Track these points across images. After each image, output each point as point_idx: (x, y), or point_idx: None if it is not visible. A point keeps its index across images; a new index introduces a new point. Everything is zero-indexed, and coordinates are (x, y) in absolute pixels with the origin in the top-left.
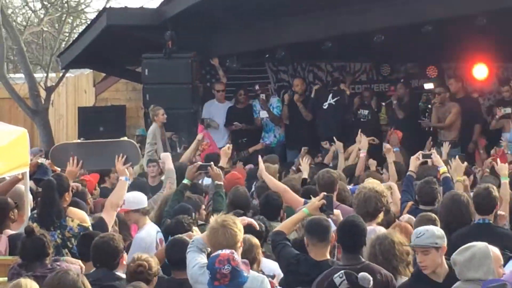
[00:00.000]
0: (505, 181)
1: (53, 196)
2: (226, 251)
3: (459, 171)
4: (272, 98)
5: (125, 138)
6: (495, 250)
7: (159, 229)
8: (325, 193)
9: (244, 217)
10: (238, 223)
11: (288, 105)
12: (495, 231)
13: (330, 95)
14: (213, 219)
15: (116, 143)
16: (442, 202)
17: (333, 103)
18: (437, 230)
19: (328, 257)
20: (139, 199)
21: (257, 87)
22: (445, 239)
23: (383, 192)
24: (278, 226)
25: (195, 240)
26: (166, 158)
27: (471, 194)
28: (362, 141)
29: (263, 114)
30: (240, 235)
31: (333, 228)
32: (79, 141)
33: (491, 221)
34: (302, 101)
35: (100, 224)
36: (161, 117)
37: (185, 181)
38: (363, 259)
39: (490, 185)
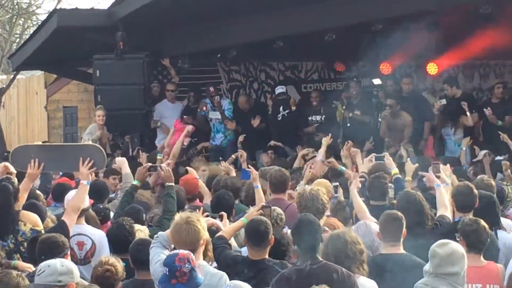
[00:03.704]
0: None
1: (9, 202)
2: (184, 251)
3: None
4: (223, 100)
5: (90, 142)
6: (464, 251)
7: (84, 233)
8: (263, 204)
9: (209, 218)
10: (202, 221)
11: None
12: None
13: (281, 108)
14: (178, 215)
15: (80, 147)
16: (397, 203)
17: (286, 114)
18: (61, 265)
19: (266, 256)
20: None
21: (211, 88)
22: (74, 275)
23: (323, 190)
24: (221, 232)
25: (159, 235)
26: (122, 163)
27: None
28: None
29: (214, 114)
30: (203, 232)
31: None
32: (40, 143)
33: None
34: (251, 110)
35: (61, 227)
36: (96, 118)
37: (134, 182)
38: (320, 259)
39: (468, 183)
